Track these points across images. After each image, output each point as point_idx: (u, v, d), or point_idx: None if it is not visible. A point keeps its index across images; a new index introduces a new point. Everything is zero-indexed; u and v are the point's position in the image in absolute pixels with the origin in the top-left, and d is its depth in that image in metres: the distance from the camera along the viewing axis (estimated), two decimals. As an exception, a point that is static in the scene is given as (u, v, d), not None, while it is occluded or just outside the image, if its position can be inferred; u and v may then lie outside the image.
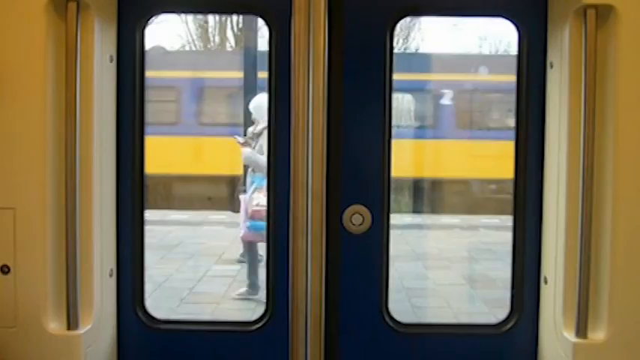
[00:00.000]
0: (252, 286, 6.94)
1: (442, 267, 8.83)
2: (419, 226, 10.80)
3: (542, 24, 2.96)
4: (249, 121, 7.40)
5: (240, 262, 7.75)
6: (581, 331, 2.72)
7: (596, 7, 2.66)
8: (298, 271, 2.76)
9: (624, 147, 2.68)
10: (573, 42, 2.74)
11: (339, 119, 2.95)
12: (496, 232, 9.89)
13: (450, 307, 7.27)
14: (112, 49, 2.94)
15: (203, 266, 8.49)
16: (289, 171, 2.78)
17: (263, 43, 8.48)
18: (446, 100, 11.77)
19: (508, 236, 3.11)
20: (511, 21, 3.01)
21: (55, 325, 2.73)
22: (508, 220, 3.15)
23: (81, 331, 2.74)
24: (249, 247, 7.01)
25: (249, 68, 9.89)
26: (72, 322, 2.72)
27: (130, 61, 3.00)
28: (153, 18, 3.04)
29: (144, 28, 3.03)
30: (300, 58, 2.73)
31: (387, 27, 2.98)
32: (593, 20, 2.66)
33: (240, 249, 7.63)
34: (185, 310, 6.96)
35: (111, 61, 2.94)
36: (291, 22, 2.74)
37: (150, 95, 3.09)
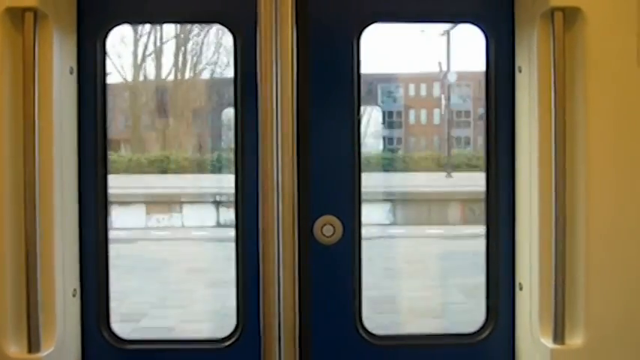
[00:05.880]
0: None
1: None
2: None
3: (509, 28, 2.95)
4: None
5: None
6: (559, 336, 2.69)
7: (563, 9, 2.66)
8: (270, 284, 2.70)
9: (595, 150, 2.67)
10: (541, 45, 2.73)
11: (306, 129, 2.90)
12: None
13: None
14: (72, 61, 2.86)
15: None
16: (257, 183, 2.72)
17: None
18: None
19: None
20: (478, 26, 3.00)
21: (15, 349, 2.62)
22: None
23: (43, 354, 2.63)
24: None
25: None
26: (33, 345, 2.61)
27: (91, 72, 2.93)
28: (114, 28, 2.97)
29: (105, 38, 2.95)
30: (267, 67, 2.69)
31: (353, 34, 2.95)
32: (560, 23, 2.66)
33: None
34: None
35: (71, 72, 2.85)
36: (257, 29, 2.70)
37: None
